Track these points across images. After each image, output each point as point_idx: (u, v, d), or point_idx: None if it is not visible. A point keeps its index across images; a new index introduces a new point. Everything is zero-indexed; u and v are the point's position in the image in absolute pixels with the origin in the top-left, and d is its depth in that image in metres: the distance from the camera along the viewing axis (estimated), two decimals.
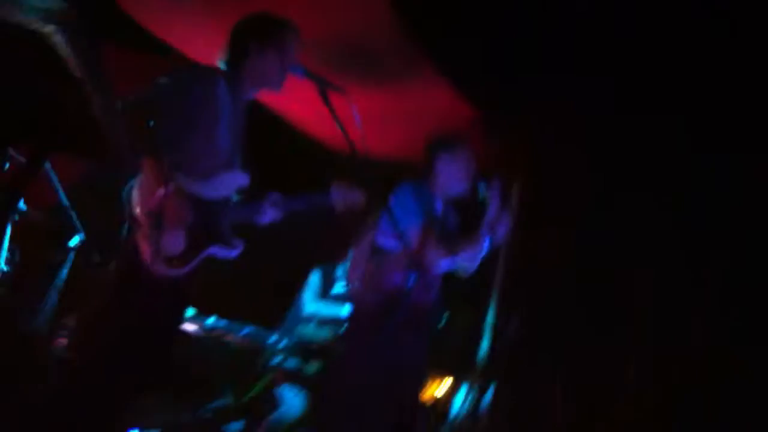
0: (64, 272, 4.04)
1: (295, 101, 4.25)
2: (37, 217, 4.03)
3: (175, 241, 2.86)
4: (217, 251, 3.02)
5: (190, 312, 4.35)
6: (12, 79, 1.73)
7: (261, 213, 3.20)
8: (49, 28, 1.48)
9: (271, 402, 4.31)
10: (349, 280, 4.41)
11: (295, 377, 4.41)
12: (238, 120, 3.15)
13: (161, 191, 2.78)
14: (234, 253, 3.07)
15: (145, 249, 2.79)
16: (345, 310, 4.54)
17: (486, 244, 3.53)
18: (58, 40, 1.51)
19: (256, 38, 3.10)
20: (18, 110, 1.85)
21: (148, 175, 2.80)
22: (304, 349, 4.31)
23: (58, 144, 2.24)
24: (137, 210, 2.79)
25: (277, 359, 4.33)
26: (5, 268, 3.88)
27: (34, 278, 4.16)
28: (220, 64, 3.13)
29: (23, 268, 4.04)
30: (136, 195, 2.81)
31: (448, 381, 4.77)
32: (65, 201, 4.07)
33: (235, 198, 3.13)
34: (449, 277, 3.75)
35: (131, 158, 2.78)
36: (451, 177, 3.66)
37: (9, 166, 2.79)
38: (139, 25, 4.03)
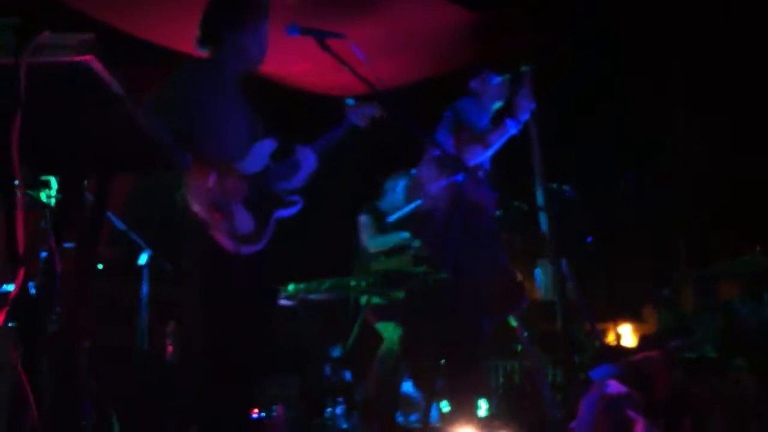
0: (145, 289, 4.21)
1: (291, 62, 4.33)
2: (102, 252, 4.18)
3: (245, 219, 3.03)
4: (282, 213, 3.20)
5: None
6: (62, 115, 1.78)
7: (301, 163, 3.35)
8: (86, 59, 1.57)
9: (374, 340, 4.50)
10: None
11: (384, 311, 4.59)
12: (234, 99, 3.25)
13: (212, 179, 2.93)
14: (297, 209, 3.25)
15: (221, 238, 2.94)
16: (402, 235, 4.73)
17: (513, 130, 3.82)
18: (95, 67, 1.60)
19: (228, 26, 3.16)
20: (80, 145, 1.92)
21: (193, 173, 2.93)
22: (383, 282, 4.46)
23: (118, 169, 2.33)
24: (197, 208, 2.93)
25: (363, 299, 4.51)
26: None
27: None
28: (201, 51, 3.22)
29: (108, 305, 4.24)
30: (190, 196, 2.95)
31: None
32: (121, 225, 4.21)
33: (271, 163, 3.28)
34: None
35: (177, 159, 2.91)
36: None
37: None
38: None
